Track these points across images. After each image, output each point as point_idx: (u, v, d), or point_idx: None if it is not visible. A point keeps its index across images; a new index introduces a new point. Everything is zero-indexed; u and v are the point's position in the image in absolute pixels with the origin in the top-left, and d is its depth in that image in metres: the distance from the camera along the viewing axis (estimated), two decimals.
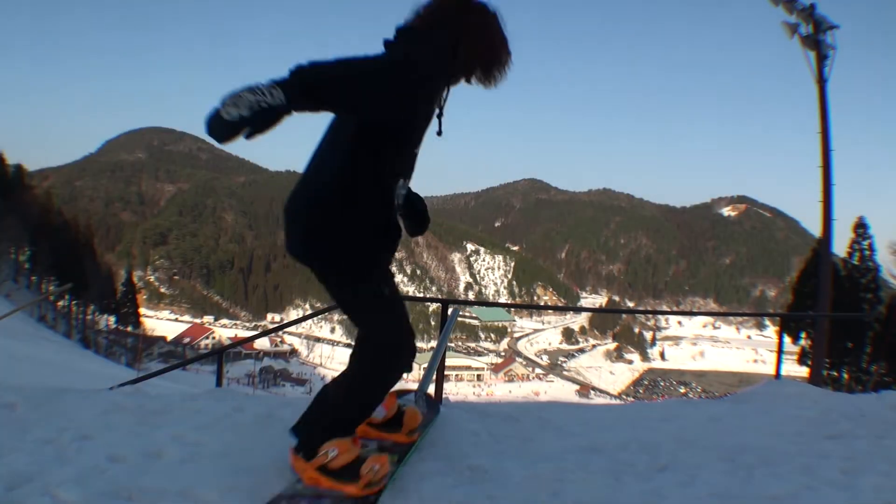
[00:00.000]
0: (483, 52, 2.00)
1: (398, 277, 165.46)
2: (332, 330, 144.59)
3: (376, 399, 2.11)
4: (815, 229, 15.78)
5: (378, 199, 1.93)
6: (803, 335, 22.85)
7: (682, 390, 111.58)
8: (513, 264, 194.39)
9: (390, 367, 2.04)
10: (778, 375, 5.38)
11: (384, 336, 2.03)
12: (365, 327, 2.07)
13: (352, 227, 1.90)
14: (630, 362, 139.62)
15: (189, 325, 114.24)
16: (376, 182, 1.91)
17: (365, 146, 1.87)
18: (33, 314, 46.05)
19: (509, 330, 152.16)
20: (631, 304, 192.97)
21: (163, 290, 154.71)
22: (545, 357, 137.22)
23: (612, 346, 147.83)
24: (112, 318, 61.05)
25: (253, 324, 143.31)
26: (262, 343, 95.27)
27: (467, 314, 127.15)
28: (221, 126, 1.50)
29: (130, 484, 2.14)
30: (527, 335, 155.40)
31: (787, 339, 22.51)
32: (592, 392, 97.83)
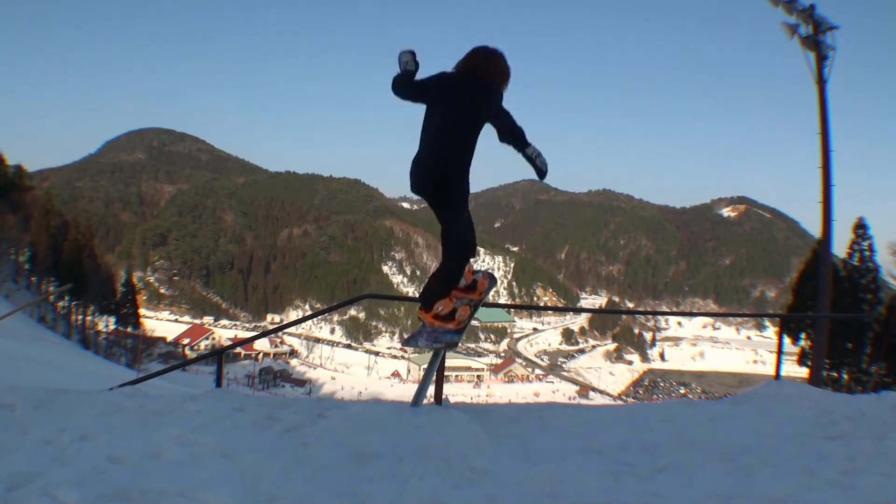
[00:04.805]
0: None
1: (398, 278, 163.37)
2: (332, 331, 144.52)
3: (459, 274, 3.47)
4: (815, 230, 15.79)
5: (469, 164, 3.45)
6: (803, 336, 22.84)
7: (682, 391, 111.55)
8: (512, 265, 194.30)
9: (466, 254, 3.46)
10: (778, 376, 5.37)
11: (464, 234, 3.44)
12: (450, 226, 3.45)
13: (465, 176, 3.43)
14: (630, 363, 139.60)
15: (189, 325, 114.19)
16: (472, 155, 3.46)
17: (475, 134, 3.40)
18: (33, 315, 46.03)
19: (509, 331, 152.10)
20: (631, 305, 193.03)
21: (162, 290, 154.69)
22: (545, 358, 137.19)
23: (611, 346, 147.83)
24: (112, 319, 60.92)
25: (252, 324, 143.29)
26: (262, 344, 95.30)
27: None
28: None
29: (130, 484, 2.13)
30: (526, 336, 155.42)
31: (786, 340, 22.52)
32: (592, 393, 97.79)
